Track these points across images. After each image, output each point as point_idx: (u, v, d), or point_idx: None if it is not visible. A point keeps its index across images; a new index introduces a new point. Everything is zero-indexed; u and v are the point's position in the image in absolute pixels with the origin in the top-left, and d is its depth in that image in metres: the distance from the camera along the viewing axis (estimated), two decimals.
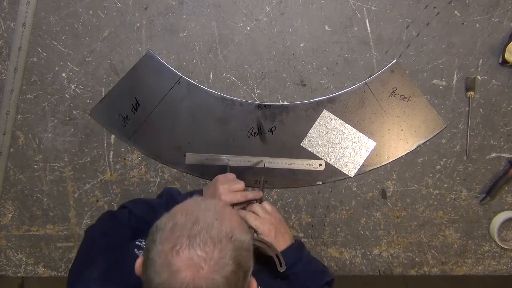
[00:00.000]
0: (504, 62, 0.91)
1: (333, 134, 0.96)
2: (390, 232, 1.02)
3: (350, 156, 0.97)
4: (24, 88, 0.96)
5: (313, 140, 0.96)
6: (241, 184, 0.87)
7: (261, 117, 0.96)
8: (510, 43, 0.90)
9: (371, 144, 0.96)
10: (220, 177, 0.88)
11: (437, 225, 1.01)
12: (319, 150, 0.97)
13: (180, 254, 0.52)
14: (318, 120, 0.96)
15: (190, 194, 0.89)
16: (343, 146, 0.97)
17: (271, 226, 0.81)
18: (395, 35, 0.93)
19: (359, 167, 0.98)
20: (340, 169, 0.97)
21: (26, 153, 0.99)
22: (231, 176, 0.89)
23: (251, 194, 0.87)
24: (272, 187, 1.00)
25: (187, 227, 0.54)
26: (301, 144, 0.97)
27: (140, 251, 0.73)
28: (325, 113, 0.95)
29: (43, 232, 1.02)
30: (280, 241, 0.80)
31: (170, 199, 0.89)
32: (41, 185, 1.00)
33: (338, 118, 0.95)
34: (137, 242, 0.76)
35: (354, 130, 0.96)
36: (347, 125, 0.96)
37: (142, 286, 0.57)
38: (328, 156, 0.97)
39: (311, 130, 0.96)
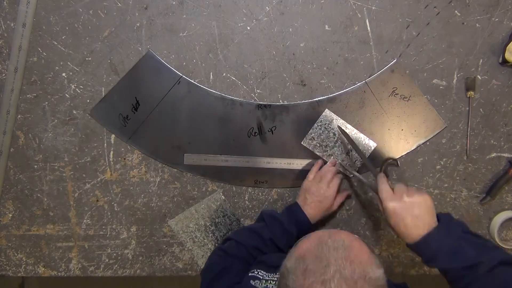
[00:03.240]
0: (505, 61, 0.91)
1: (334, 134, 0.96)
2: (391, 232, 1.02)
3: (353, 157, 0.97)
4: (24, 88, 0.96)
5: (314, 139, 0.96)
6: (331, 172, 0.91)
7: (261, 117, 0.96)
8: (511, 43, 0.90)
9: (371, 144, 0.96)
10: (308, 182, 0.92)
11: None
12: (319, 149, 0.97)
13: None
14: (319, 119, 0.96)
15: (289, 210, 0.91)
16: (346, 147, 0.97)
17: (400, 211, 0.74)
18: (395, 35, 0.93)
19: (359, 165, 0.98)
20: (339, 169, 0.97)
21: (26, 153, 0.99)
22: (317, 176, 0.92)
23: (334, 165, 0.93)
24: (272, 187, 1.00)
25: (319, 271, 0.54)
26: (302, 143, 0.97)
27: (256, 281, 0.75)
28: (327, 112, 0.95)
29: (43, 232, 1.02)
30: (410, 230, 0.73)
31: (272, 220, 0.89)
32: (41, 185, 1.00)
33: (340, 118, 0.95)
34: (251, 274, 0.77)
35: (356, 130, 0.96)
36: (348, 125, 0.96)
37: None
38: (328, 156, 0.97)
39: (312, 129, 0.96)
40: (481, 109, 0.96)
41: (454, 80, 0.95)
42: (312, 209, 0.89)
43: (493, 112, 0.96)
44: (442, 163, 0.99)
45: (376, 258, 0.59)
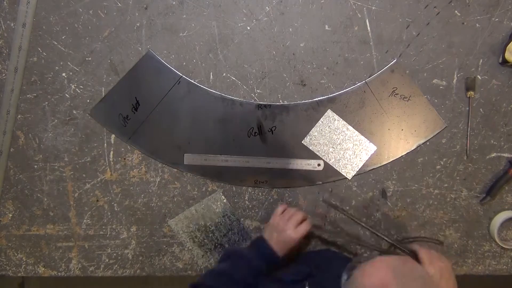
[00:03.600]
0: (505, 62, 0.91)
1: (335, 135, 0.96)
2: (391, 232, 1.01)
3: (350, 158, 0.97)
4: (24, 88, 0.96)
5: (314, 139, 0.96)
6: (301, 214, 0.89)
7: (261, 117, 0.96)
8: (511, 43, 0.90)
9: (371, 148, 0.96)
10: (276, 218, 0.90)
11: (437, 225, 1.01)
12: (319, 149, 0.97)
13: None
14: (321, 119, 0.96)
15: (255, 246, 0.89)
16: (344, 147, 0.97)
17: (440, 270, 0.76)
18: (395, 35, 0.93)
19: (357, 169, 0.98)
20: (339, 170, 0.97)
21: (26, 153, 0.99)
22: (286, 213, 0.90)
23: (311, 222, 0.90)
24: (272, 187, 1.00)
25: None
26: (302, 142, 0.97)
27: None
28: (329, 113, 0.95)
29: (43, 232, 1.02)
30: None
31: (239, 259, 0.86)
32: (41, 185, 1.00)
33: (341, 119, 0.95)
34: None
35: (356, 132, 0.96)
36: (349, 126, 0.96)
37: None
38: (328, 156, 0.97)
39: (314, 129, 0.96)
40: (481, 109, 0.96)
41: (454, 80, 0.95)
42: (277, 245, 0.87)
43: (493, 112, 0.96)
44: (442, 163, 0.98)
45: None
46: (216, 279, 0.83)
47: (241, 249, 0.90)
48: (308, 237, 0.93)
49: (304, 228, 0.88)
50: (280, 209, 0.91)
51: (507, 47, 0.90)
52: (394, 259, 0.63)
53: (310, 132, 0.96)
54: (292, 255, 0.92)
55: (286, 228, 0.87)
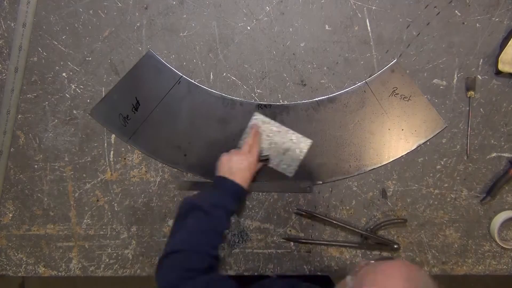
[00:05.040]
0: (499, 72, 0.92)
1: (268, 135, 0.96)
2: (391, 231, 1.01)
3: (290, 157, 0.97)
4: (24, 87, 0.96)
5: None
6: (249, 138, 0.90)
7: None
8: (502, 54, 0.90)
9: (308, 142, 0.96)
10: (225, 155, 0.89)
11: (437, 225, 1.01)
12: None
13: None
14: (249, 123, 0.96)
15: (220, 187, 0.85)
16: (282, 147, 0.97)
17: None
18: (396, 35, 0.92)
19: (298, 164, 0.98)
20: (280, 171, 0.98)
21: (27, 152, 0.99)
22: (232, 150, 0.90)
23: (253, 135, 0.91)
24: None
25: None
26: (238, 146, 0.97)
27: None
28: (257, 115, 0.95)
29: (43, 231, 1.02)
30: None
31: (213, 209, 0.80)
32: (42, 185, 1.00)
33: (271, 120, 0.95)
34: None
35: (289, 130, 0.96)
36: (282, 126, 0.96)
37: None
38: (265, 158, 0.97)
39: (245, 135, 0.96)
40: (481, 109, 0.96)
41: (454, 80, 0.95)
42: (241, 178, 0.85)
43: (493, 112, 0.96)
44: (442, 163, 0.98)
45: (432, 282, 0.59)
46: (196, 238, 0.76)
47: (205, 197, 0.82)
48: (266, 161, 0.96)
49: (256, 146, 0.89)
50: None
51: (499, 58, 0.90)
52: (398, 264, 0.60)
53: (242, 137, 0.96)
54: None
55: (241, 155, 0.86)
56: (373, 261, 0.63)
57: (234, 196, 0.84)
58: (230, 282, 0.73)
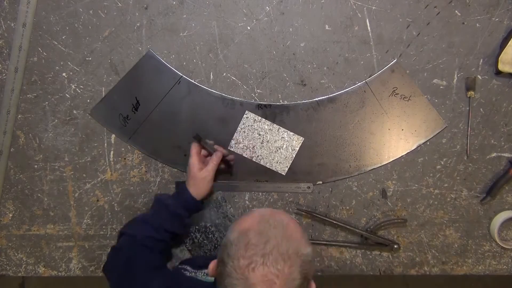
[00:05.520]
0: (499, 72, 0.92)
1: (259, 134, 0.96)
2: (391, 231, 1.02)
3: (283, 155, 0.97)
4: (24, 87, 0.96)
5: (240, 143, 0.97)
6: (214, 152, 0.91)
7: (262, 117, 0.96)
8: (502, 54, 0.90)
9: (299, 140, 0.96)
10: (190, 164, 0.89)
11: (437, 225, 1.01)
12: (248, 152, 0.97)
13: (255, 271, 0.60)
14: (241, 123, 0.96)
15: (177, 191, 0.91)
16: (274, 145, 0.97)
17: None
18: (396, 35, 0.93)
19: (291, 162, 0.98)
20: (273, 169, 0.98)
21: (27, 152, 0.99)
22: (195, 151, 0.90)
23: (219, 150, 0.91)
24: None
25: (260, 246, 0.62)
26: (229, 148, 0.97)
27: (186, 272, 0.84)
28: (248, 114, 0.95)
29: (43, 231, 1.02)
30: None
31: (159, 206, 0.89)
32: (42, 185, 1.00)
33: (262, 119, 0.95)
34: (180, 266, 0.88)
35: (280, 128, 0.96)
36: (274, 124, 0.96)
37: None
38: (259, 157, 0.97)
39: (236, 134, 0.96)
40: (481, 109, 0.96)
41: (454, 80, 0.95)
42: (192, 187, 0.88)
43: (493, 112, 0.96)
44: (442, 163, 0.98)
45: (307, 238, 0.69)
46: (138, 227, 0.87)
47: (165, 197, 0.90)
48: (228, 167, 0.95)
49: (212, 164, 0.88)
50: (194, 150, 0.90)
51: (499, 58, 0.90)
52: (267, 210, 0.72)
53: (234, 137, 0.96)
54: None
55: (194, 167, 0.88)
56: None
57: (184, 203, 0.88)
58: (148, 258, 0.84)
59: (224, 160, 0.92)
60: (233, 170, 0.98)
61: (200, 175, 0.87)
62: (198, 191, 0.88)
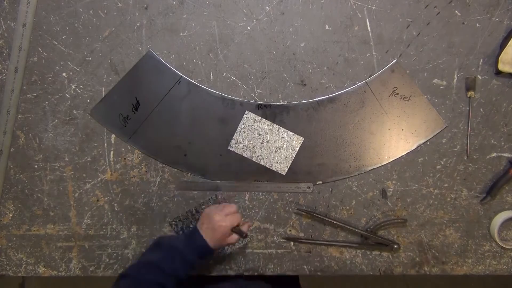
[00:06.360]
0: (499, 72, 0.92)
1: (259, 134, 0.96)
2: (391, 231, 1.02)
3: (283, 155, 0.97)
4: (24, 87, 0.96)
5: (240, 143, 0.96)
6: (233, 207, 0.90)
7: (262, 117, 0.96)
8: (502, 54, 0.90)
9: (299, 140, 0.96)
10: (209, 209, 0.90)
11: (437, 225, 1.01)
12: (247, 152, 0.97)
13: None
14: (241, 123, 0.96)
15: (188, 235, 0.89)
16: (274, 145, 0.97)
17: None
18: (396, 35, 0.93)
19: (291, 162, 0.98)
20: (273, 169, 0.98)
21: (27, 152, 0.99)
22: (220, 205, 0.92)
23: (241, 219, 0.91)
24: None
25: None
26: (229, 148, 0.97)
27: None
28: (248, 114, 0.95)
29: (43, 231, 1.02)
30: None
31: (171, 251, 0.84)
32: (42, 185, 1.00)
33: (262, 119, 0.95)
34: None
35: (282, 128, 0.96)
36: (274, 124, 0.96)
37: None
38: (259, 157, 0.97)
39: (236, 134, 0.96)
40: (481, 109, 0.96)
41: (454, 80, 0.95)
42: (206, 234, 0.86)
43: (493, 112, 0.96)
44: (442, 163, 0.99)
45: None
46: (146, 270, 0.80)
47: (174, 239, 0.88)
48: (241, 235, 0.90)
49: (234, 218, 0.88)
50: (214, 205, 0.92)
51: (499, 58, 0.91)
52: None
53: (234, 136, 0.96)
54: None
55: (216, 215, 0.87)
56: None
57: (198, 251, 0.86)
58: None
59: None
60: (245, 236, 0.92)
61: (224, 237, 0.86)
62: (209, 240, 0.86)
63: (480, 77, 0.94)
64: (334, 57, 0.94)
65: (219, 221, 0.86)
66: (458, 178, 0.99)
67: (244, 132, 0.97)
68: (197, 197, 1.01)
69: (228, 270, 1.02)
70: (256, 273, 1.03)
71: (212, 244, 0.87)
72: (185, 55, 0.94)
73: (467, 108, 0.95)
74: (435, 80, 0.94)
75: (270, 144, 0.97)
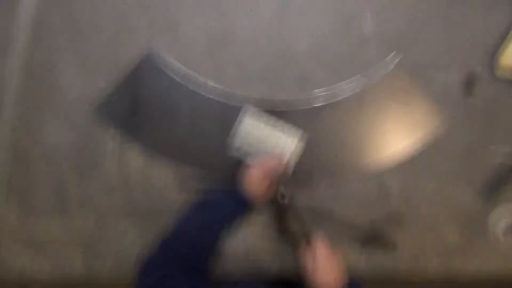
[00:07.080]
0: (499, 72, 0.92)
1: (259, 134, 0.96)
2: (391, 231, 1.02)
3: (283, 154, 0.97)
4: (24, 87, 0.96)
5: (240, 142, 0.97)
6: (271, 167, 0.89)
7: (262, 117, 0.96)
8: (502, 54, 0.91)
9: (298, 133, 0.96)
10: (248, 167, 0.88)
11: (437, 225, 1.01)
12: (248, 152, 0.97)
13: None
14: (241, 122, 0.96)
15: (231, 192, 0.87)
16: (274, 145, 0.97)
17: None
18: (396, 33, 0.93)
19: (288, 156, 0.98)
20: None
21: (27, 152, 0.99)
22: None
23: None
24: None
25: None
26: (229, 148, 0.96)
27: None
28: (248, 113, 0.95)
29: (43, 231, 1.03)
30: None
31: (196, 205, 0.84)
32: (42, 185, 1.00)
33: (263, 118, 0.95)
34: None
35: (282, 128, 0.95)
36: (274, 124, 0.96)
37: None
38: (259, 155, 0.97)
39: (237, 134, 0.96)
40: (481, 108, 0.96)
41: (455, 79, 0.95)
42: (251, 191, 0.86)
43: (493, 112, 0.96)
44: (442, 162, 0.99)
45: None
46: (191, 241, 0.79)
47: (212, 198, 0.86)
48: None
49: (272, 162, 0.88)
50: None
51: (500, 58, 0.91)
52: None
53: (234, 136, 0.96)
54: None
55: (258, 181, 0.85)
56: None
57: (239, 202, 0.85)
58: None
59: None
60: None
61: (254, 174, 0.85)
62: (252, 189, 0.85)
63: (480, 76, 0.94)
64: (335, 55, 0.94)
65: (256, 167, 0.85)
66: (458, 178, 0.99)
67: (244, 132, 0.97)
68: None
69: (231, 273, 1.02)
70: (256, 275, 1.03)
71: (256, 196, 0.85)
72: (185, 55, 0.94)
73: (467, 107, 0.96)
74: (435, 79, 0.95)
75: (270, 143, 0.97)
